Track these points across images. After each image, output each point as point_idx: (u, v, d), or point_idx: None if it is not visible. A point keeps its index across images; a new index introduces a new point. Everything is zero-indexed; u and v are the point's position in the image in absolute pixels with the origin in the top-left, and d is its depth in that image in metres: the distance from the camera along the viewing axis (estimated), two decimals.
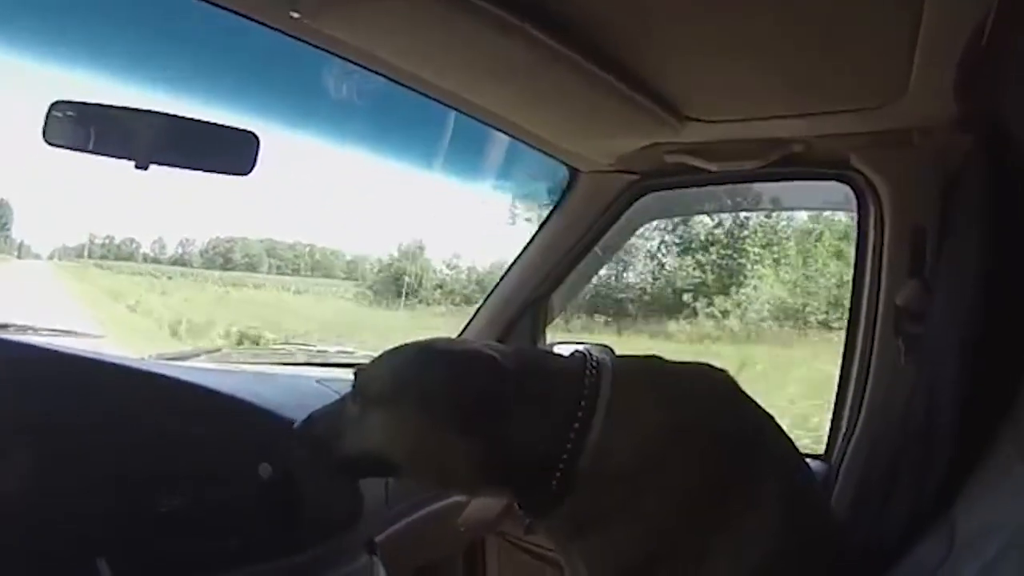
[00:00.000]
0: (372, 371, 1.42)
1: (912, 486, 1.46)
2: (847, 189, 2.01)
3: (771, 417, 1.43)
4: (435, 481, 1.47)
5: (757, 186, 2.18)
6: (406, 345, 1.43)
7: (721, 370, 1.46)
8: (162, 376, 1.60)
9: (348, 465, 1.41)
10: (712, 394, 1.40)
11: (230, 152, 1.53)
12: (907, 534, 1.38)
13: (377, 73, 1.63)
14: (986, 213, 1.39)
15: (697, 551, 1.31)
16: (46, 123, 1.44)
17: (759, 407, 1.43)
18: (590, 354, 1.39)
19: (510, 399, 1.31)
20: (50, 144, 1.44)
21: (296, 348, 2.47)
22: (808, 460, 1.52)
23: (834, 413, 2.06)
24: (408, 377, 1.36)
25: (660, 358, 1.51)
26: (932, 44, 1.38)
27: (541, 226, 2.33)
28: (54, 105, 1.44)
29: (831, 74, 1.59)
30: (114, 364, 1.59)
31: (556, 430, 1.31)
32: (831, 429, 2.07)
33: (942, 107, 1.52)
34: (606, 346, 2.81)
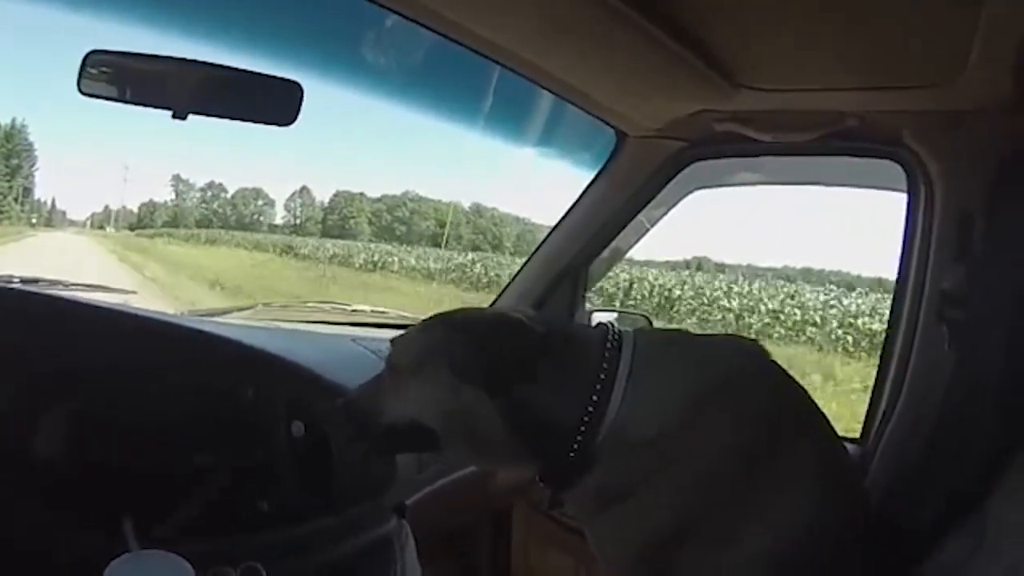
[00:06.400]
0: (404, 342, 1.45)
1: (948, 474, 1.45)
2: (897, 168, 1.96)
3: (805, 391, 1.41)
4: (468, 448, 1.45)
5: (806, 160, 2.13)
6: (434, 316, 1.45)
7: (752, 340, 1.44)
8: (195, 331, 1.61)
9: (387, 439, 1.42)
10: (740, 366, 1.38)
11: (272, 102, 1.51)
12: (940, 522, 1.36)
13: (425, 27, 1.60)
14: None
15: (722, 532, 1.31)
16: (81, 73, 1.43)
17: (792, 380, 1.41)
18: (613, 325, 1.40)
19: (535, 362, 1.32)
20: (84, 94, 1.44)
21: (331, 307, 2.46)
22: (844, 443, 1.49)
23: (872, 396, 2.04)
24: (438, 343, 1.37)
25: (686, 331, 1.50)
26: (994, 24, 1.34)
27: (584, 192, 2.30)
28: (89, 55, 1.43)
29: (890, 49, 1.54)
30: (146, 318, 1.60)
31: (574, 400, 1.32)
32: (868, 412, 2.04)
33: (999, 89, 1.49)
34: (644, 316, 2.78)
